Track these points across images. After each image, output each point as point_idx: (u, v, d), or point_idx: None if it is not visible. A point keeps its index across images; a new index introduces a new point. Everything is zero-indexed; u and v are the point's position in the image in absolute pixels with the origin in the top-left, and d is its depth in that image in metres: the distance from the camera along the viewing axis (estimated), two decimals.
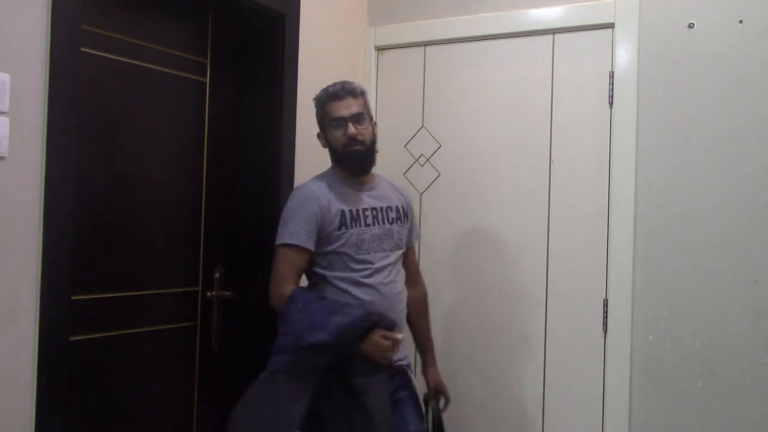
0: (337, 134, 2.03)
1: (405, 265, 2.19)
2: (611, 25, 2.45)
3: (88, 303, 2.01)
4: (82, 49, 1.86)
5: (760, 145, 2.21)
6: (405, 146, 2.82)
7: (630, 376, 2.34)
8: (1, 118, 1.61)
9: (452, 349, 2.63)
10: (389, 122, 2.86)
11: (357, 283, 2.00)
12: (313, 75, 2.57)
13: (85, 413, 1.99)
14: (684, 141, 2.32)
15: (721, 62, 2.25)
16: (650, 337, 2.33)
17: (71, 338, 1.82)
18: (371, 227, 2.04)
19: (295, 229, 1.97)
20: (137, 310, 2.16)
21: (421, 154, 2.78)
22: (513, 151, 2.59)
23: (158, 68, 2.22)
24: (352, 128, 2.00)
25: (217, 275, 2.38)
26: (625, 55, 2.41)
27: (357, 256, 2.01)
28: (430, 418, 2.11)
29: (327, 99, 2.05)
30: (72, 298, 1.80)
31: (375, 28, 2.89)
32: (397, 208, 2.13)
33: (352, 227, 2.01)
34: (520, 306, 2.55)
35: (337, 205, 2.01)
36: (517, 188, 2.59)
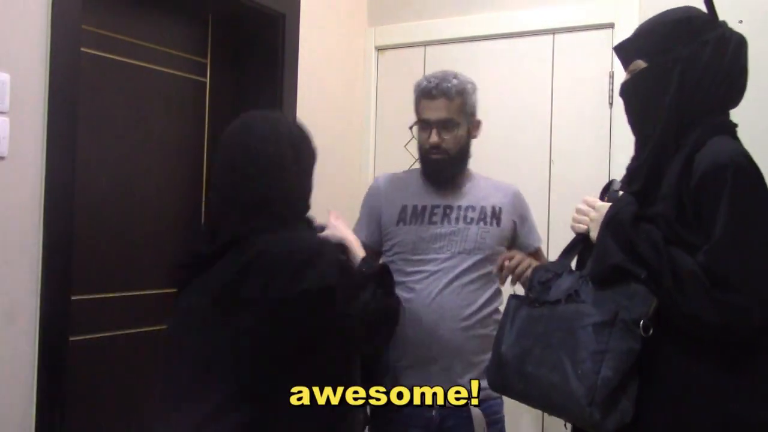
0: (421, 136, 1.88)
1: None
2: (611, 25, 2.45)
3: (88, 303, 2.01)
4: (82, 49, 1.86)
5: (760, 144, 2.21)
6: (405, 146, 2.81)
7: None
8: (1, 118, 1.61)
9: None
10: (389, 122, 2.85)
11: (403, 288, 1.80)
12: (313, 75, 2.57)
13: (85, 413, 1.99)
14: None
15: None
16: None
17: (71, 338, 1.82)
18: (437, 225, 1.83)
19: (359, 227, 1.94)
20: (137, 310, 2.16)
21: None
22: (513, 151, 2.59)
23: (158, 68, 2.22)
24: (434, 136, 1.83)
25: None
26: None
27: (412, 257, 1.83)
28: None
29: (419, 94, 1.88)
30: (72, 298, 1.80)
31: (375, 28, 2.89)
32: (483, 208, 1.86)
33: (411, 223, 1.85)
34: None
35: (401, 200, 1.90)
36: None
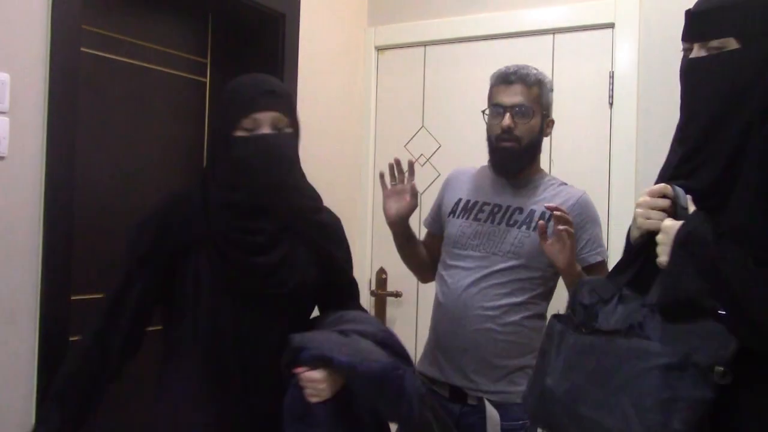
0: (493, 122, 1.82)
1: None
2: (611, 25, 2.45)
3: (88, 303, 2.01)
4: (82, 49, 1.86)
5: None
6: (405, 146, 2.82)
7: None
8: (1, 118, 1.61)
9: None
10: (389, 122, 2.86)
11: (440, 281, 1.87)
12: (313, 75, 2.57)
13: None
14: None
15: None
16: None
17: (71, 338, 1.82)
18: (480, 223, 1.82)
19: (429, 212, 2.03)
20: None
21: (421, 154, 2.78)
22: None
23: (158, 68, 2.23)
24: (507, 119, 1.77)
25: None
26: (625, 55, 2.41)
27: (453, 251, 1.84)
28: None
29: (495, 80, 1.85)
30: (72, 298, 1.80)
31: (375, 28, 2.89)
32: (532, 211, 1.79)
33: (459, 217, 1.86)
34: None
35: (460, 193, 1.91)
36: None
